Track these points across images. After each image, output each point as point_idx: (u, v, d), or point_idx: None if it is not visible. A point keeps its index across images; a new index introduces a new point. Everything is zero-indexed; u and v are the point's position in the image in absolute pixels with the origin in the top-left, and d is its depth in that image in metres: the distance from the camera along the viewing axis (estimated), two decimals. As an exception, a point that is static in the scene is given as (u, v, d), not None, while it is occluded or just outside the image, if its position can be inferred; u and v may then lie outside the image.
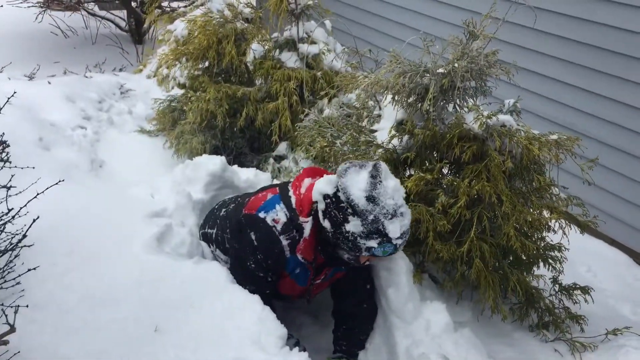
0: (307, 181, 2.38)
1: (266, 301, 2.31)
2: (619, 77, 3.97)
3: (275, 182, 3.50)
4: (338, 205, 2.17)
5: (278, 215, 2.34)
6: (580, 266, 3.83)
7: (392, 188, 2.15)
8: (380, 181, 2.14)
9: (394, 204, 2.13)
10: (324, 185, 2.23)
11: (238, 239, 2.47)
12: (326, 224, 2.22)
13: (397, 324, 2.49)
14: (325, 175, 2.29)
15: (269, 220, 2.33)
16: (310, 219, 2.31)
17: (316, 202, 2.26)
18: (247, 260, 2.39)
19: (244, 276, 2.42)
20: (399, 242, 2.16)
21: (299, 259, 2.39)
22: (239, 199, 2.75)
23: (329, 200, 2.20)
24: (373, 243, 2.14)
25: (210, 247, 2.81)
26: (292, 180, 2.53)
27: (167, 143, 4.36)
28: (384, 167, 2.20)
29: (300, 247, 2.36)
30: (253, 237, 2.36)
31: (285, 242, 2.34)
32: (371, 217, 2.11)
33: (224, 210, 2.78)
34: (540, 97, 4.51)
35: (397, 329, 2.48)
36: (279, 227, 2.33)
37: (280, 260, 2.37)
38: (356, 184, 2.14)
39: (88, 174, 3.63)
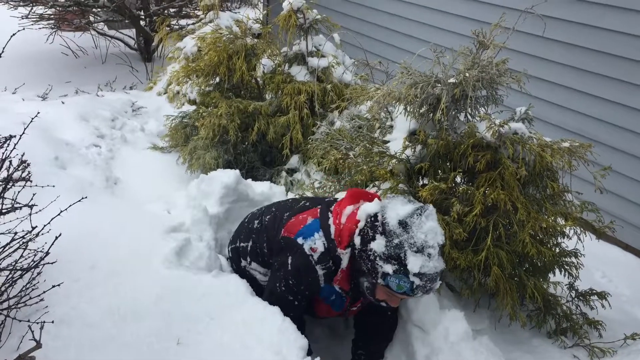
0: (348, 209, 2.35)
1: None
2: (628, 82, 3.98)
3: (290, 195, 3.52)
4: (373, 224, 2.19)
5: (316, 244, 2.32)
6: (595, 272, 3.82)
7: (430, 227, 2.11)
8: (420, 214, 2.13)
9: (425, 240, 2.08)
10: (371, 206, 2.26)
11: (275, 259, 2.47)
12: (357, 240, 2.24)
13: (415, 333, 2.50)
14: (375, 199, 2.31)
15: (306, 248, 2.32)
16: (348, 250, 2.29)
17: (354, 233, 2.28)
18: (278, 281, 2.39)
19: (270, 296, 2.41)
20: (416, 281, 2.09)
21: (335, 289, 2.40)
22: (275, 211, 2.65)
23: (369, 219, 2.23)
24: (389, 269, 2.12)
25: (242, 262, 2.73)
26: (330, 198, 2.54)
27: (180, 159, 4.40)
28: (432, 210, 2.18)
29: (337, 278, 2.37)
30: (289, 261, 2.36)
31: (321, 272, 2.33)
32: (397, 240, 2.11)
33: (257, 222, 2.71)
34: (551, 105, 4.53)
35: (416, 338, 2.49)
36: (315, 256, 2.31)
37: (313, 288, 2.37)
38: (397, 209, 2.17)
39: (104, 192, 3.67)
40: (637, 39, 3.87)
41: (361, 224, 2.25)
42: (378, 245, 2.14)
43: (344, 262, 2.32)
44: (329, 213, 2.40)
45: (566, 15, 4.29)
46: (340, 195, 2.57)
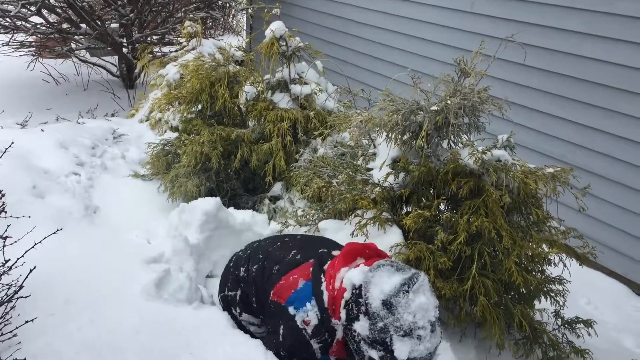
0: (343, 271, 2.09)
1: None
2: (607, 109, 4.03)
3: (273, 224, 3.45)
4: (357, 299, 1.96)
5: (309, 316, 2.11)
6: (581, 298, 3.81)
7: (419, 305, 1.87)
8: (407, 291, 1.88)
9: (413, 322, 1.85)
10: (356, 275, 2.01)
11: (268, 321, 2.32)
12: (343, 314, 2.02)
13: (401, 364, 2.45)
14: (361, 265, 2.06)
15: (298, 320, 2.12)
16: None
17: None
18: (279, 346, 2.23)
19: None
20: None
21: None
22: (264, 260, 2.43)
23: (354, 291, 1.99)
24: (375, 354, 1.91)
25: (233, 310, 2.52)
26: (323, 249, 2.34)
27: (161, 187, 4.34)
28: (423, 280, 1.94)
29: (333, 350, 2.16)
30: (281, 331, 2.17)
31: (316, 346, 2.13)
32: (381, 324, 1.88)
33: (243, 270, 2.50)
34: (532, 131, 4.57)
35: (402, 369, 2.43)
36: (309, 329, 2.11)
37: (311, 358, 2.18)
38: (382, 284, 1.93)
39: (82, 221, 3.59)
40: (614, 66, 3.93)
41: (347, 294, 2.01)
42: (362, 327, 1.93)
43: (339, 333, 2.10)
44: (322, 275, 2.17)
45: (546, 43, 4.35)
46: (337, 252, 2.29)
